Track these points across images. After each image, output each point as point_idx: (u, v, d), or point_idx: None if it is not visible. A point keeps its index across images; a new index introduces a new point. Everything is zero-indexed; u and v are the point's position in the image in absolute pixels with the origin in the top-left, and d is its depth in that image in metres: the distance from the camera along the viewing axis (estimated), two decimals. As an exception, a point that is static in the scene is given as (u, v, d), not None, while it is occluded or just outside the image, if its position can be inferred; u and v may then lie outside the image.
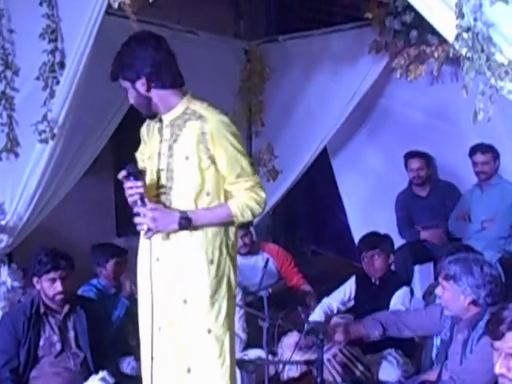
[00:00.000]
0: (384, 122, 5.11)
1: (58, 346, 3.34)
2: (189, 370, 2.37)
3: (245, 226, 4.34)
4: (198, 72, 4.69)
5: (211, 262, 2.34)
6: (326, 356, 3.32)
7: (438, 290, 2.90)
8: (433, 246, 4.74)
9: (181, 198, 2.37)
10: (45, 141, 3.45)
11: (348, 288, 4.05)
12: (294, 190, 5.51)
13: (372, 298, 3.89)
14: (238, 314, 3.77)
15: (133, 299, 3.43)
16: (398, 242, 4.69)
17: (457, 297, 2.73)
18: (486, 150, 4.44)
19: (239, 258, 4.38)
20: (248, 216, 2.35)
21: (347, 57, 4.66)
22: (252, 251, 4.45)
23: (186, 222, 2.28)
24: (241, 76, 5.31)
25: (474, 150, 4.48)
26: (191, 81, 4.36)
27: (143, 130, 2.58)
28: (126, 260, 3.96)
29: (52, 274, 3.29)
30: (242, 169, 2.35)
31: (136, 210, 2.33)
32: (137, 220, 2.33)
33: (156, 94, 2.37)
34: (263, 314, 3.53)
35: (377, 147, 5.21)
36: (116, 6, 3.04)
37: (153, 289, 2.39)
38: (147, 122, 2.55)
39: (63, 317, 3.38)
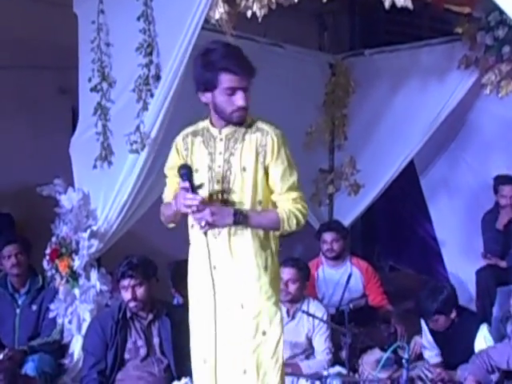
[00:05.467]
0: (473, 138, 4.96)
1: (144, 351, 3.43)
2: (245, 372, 2.45)
3: (338, 233, 4.40)
4: (282, 84, 4.74)
5: (265, 268, 2.45)
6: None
7: None
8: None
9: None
10: (135, 151, 3.57)
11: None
12: (373, 204, 5.44)
13: (448, 342, 3.73)
14: (325, 334, 3.75)
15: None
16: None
17: None
18: None
19: (327, 269, 4.42)
20: (293, 225, 2.41)
21: (435, 72, 4.57)
22: (340, 258, 4.44)
23: (242, 218, 2.34)
24: (325, 89, 5.30)
25: None
26: (276, 92, 4.49)
27: (179, 144, 2.57)
28: None
29: (123, 282, 3.40)
30: (293, 182, 2.43)
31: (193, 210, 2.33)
32: (197, 216, 2.33)
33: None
34: (344, 329, 3.52)
35: (465, 163, 5.07)
36: (214, 21, 3.11)
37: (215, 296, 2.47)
38: (182, 135, 2.56)
39: (148, 322, 3.47)
